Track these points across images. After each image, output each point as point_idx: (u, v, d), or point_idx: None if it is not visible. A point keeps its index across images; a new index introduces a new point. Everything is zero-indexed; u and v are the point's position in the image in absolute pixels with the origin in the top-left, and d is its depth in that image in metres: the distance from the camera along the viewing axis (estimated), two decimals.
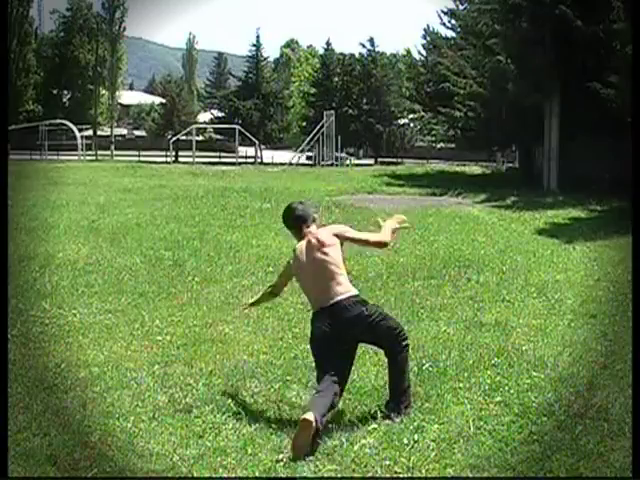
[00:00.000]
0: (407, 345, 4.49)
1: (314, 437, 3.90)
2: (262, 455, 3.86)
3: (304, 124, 50.51)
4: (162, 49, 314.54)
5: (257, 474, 3.69)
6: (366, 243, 4.84)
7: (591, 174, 19.03)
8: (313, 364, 5.28)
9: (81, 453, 3.78)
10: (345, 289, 4.45)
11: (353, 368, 5.17)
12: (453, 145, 33.32)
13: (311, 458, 3.83)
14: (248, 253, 9.94)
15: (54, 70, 56.88)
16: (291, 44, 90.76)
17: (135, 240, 10.84)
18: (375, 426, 4.23)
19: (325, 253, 4.51)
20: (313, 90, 53.15)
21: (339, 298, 4.39)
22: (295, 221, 4.88)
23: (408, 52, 39.22)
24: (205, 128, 54.80)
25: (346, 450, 3.91)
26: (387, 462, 3.79)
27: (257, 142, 44.88)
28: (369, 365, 5.27)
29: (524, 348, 5.69)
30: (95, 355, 5.44)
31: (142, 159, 42.38)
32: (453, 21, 29.63)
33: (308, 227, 4.78)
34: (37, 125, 46.20)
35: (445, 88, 25.35)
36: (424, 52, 33.81)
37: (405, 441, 4.02)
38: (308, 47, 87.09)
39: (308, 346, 5.64)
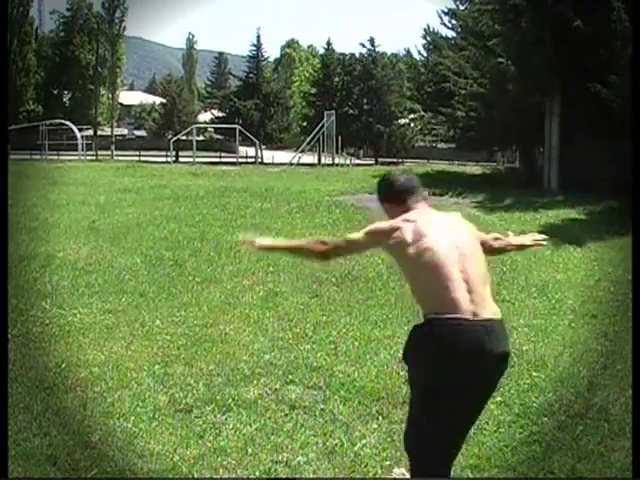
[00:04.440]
0: None
1: None
2: (262, 455, 3.86)
3: (304, 124, 50.51)
4: (162, 49, 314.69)
5: (257, 474, 3.69)
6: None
7: (591, 174, 19.01)
8: (313, 364, 5.30)
9: (81, 453, 3.78)
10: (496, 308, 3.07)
11: (353, 368, 5.19)
12: (453, 145, 33.29)
13: (311, 458, 3.83)
14: (248, 253, 9.93)
15: (54, 70, 56.91)
16: (291, 44, 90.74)
17: (135, 240, 10.83)
18: (375, 426, 4.23)
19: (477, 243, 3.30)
20: (313, 90, 53.16)
21: (495, 317, 3.00)
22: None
23: (408, 52, 39.23)
24: (205, 128, 54.80)
25: (346, 450, 3.92)
26: (387, 462, 3.79)
27: (257, 142, 44.88)
28: (369, 365, 5.27)
29: (524, 348, 5.68)
30: (95, 355, 5.44)
31: (142, 159, 42.38)
32: (453, 21, 29.61)
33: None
34: (37, 125, 46.20)
35: (445, 88, 25.34)
36: (424, 52, 33.80)
37: None
38: (308, 47, 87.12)
39: (307, 346, 5.67)
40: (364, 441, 4.02)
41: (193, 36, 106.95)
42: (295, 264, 9.11)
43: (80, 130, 46.20)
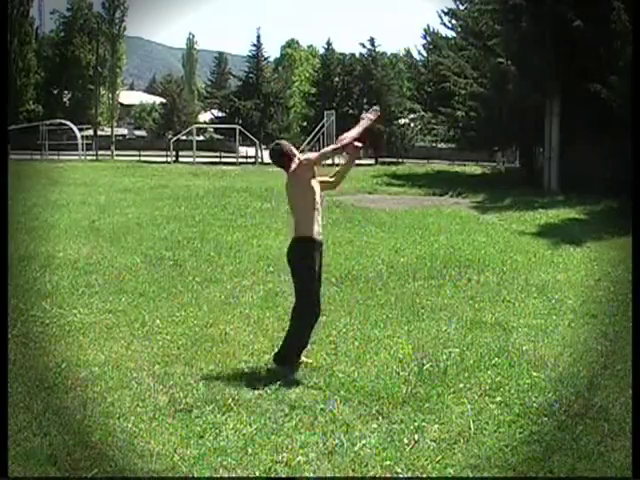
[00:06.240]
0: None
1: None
2: (262, 455, 3.86)
3: (305, 124, 50.51)
4: (162, 49, 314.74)
5: (257, 474, 3.69)
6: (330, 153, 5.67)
7: (591, 174, 19.03)
8: (313, 364, 5.30)
9: (81, 453, 3.78)
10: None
11: (353, 368, 5.20)
12: (454, 145, 33.32)
13: (311, 458, 3.83)
14: (248, 253, 9.95)
15: (54, 70, 56.91)
16: (291, 44, 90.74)
17: (136, 240, 10.84)
18: (375, 426, 4.23)
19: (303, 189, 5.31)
20: (313, 90, 53.16)
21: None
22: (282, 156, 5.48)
23: (408, 52, 39.31)
24: (205, 128, 54.75)
25: (346, 450, 3.91)
26: (387, 462, 3.79)
27: (257, 142, 44.88)
28: (369, 365, 5.27)
29: (524, 348, 5.69)
30: (95, 355, 5.44)
31: (142, 159, 42.39)
32: (454, 21, 29.65)
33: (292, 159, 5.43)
34: (37, 125, 46.22)
35: (446, 88, 25.37)
36: (424, 52, 33.85)
37: (405, 441, 4.02)
38: (308, 47, 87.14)
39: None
40: (364, 441, 4.01)
41: (193, 36, 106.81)
42: None
43: (80, 130, 46.22)
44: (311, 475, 3.68)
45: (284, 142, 5.63)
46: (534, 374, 5.07)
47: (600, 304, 7.31)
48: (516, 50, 20.63)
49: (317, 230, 5.25)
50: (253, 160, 44.81)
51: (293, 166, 5.34)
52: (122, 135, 63.75)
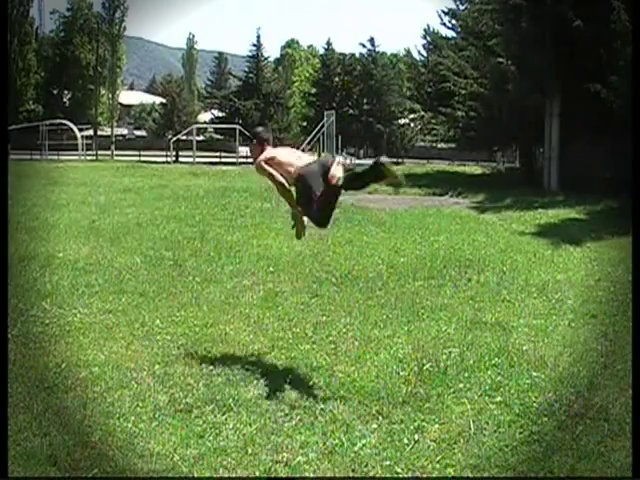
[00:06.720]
0: None
1: None
2: (262, 455, 3.86)
3: (304, 124, 50.58)
4: (162, 49, 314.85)
5: (257, 474, 3.69)
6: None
7: (591, 174, 19.04)
8: (313, 364, 5.31)
9: (81, 453, 3.78)
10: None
11: (353, 368, 5.20)
12: (453, 145, 33.34)
13: (311, 458, 3.83)
14: (249, 253, 9.94)
15: (54, 70, 57.01)
16: (291, 44, 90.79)
17: (135, 240, 10.83)
18: (375, 426, 4.23)
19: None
20: (314, 90, 53.22)
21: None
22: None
23: (408, 52, 39.38)
24: (205, 128, 54.82)
25: (346, 450, 3.92)
26: (387, 462, 3.79)
27: None
28: (369, 365, 5.27)
29: (524, 348, 5.68)
30: (95, 355, 5.43)
31: (142, 159, 42.40)
32: (454, 21, 29.67)
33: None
34: (37, 125, 46.24)
35: (446, 88, 25.40)
36: (424, 52, 33.90)
37: (405, 441, 4.02)
38: (308, 47, 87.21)
39: (307, 346, 5.67)
40: (364, 441, 4.01)
41: (193, 36, 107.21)
42: (295, 264, 9.11)
43: (80, 130, 46.25)
44: (311, 475, 3.69)
45: (263, 130, 6.18)
46: (534, 374, 5.07)
47: (600, 304, 7.31)
48: (516, 50, 20.64)
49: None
50: (253, 160, 44.80)
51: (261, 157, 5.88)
52: (122, 135, 63.77)
